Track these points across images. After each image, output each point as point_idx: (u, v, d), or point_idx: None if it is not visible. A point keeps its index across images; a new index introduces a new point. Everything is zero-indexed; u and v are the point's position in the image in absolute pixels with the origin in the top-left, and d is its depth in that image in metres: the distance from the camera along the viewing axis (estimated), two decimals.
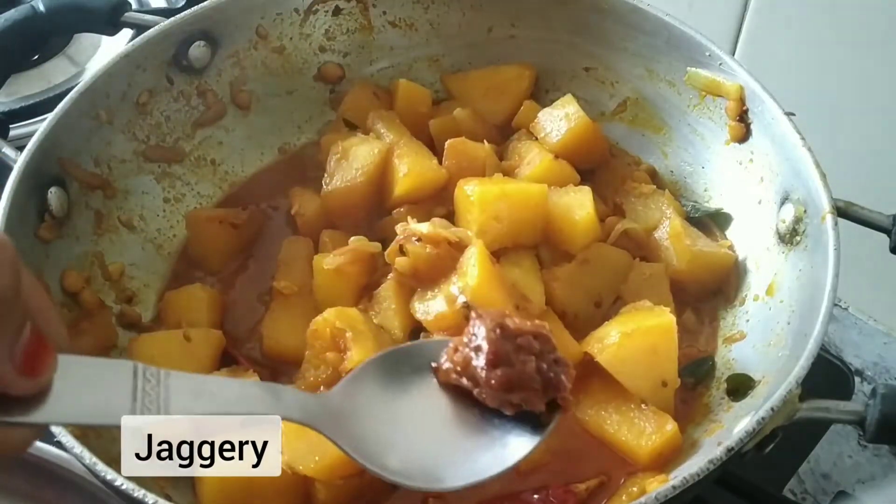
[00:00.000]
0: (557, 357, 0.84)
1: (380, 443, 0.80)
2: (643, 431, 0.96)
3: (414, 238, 1.02)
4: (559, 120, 1.19)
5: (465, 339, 0.85)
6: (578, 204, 1.09)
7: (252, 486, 0.89)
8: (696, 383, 1.05)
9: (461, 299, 0.98)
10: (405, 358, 0.89)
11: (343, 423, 0.80)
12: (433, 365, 0.87)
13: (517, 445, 0.83)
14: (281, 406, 0.76)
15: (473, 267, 0.98)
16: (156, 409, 0.65)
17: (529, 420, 0.83)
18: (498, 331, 0.83)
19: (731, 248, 1.13)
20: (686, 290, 1.11)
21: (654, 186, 1.19)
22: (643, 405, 0.97)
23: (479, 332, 0.84)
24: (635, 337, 0.97)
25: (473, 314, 0.87)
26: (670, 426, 0.95)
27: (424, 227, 1.02)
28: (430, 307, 1.01)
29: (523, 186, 1.10)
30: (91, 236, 1.12)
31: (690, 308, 1.11)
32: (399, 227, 1.04)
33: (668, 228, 1.12)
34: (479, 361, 0.83)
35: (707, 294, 1.13)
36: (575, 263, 1.08)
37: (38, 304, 0.60)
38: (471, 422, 0.84)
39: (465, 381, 0.84)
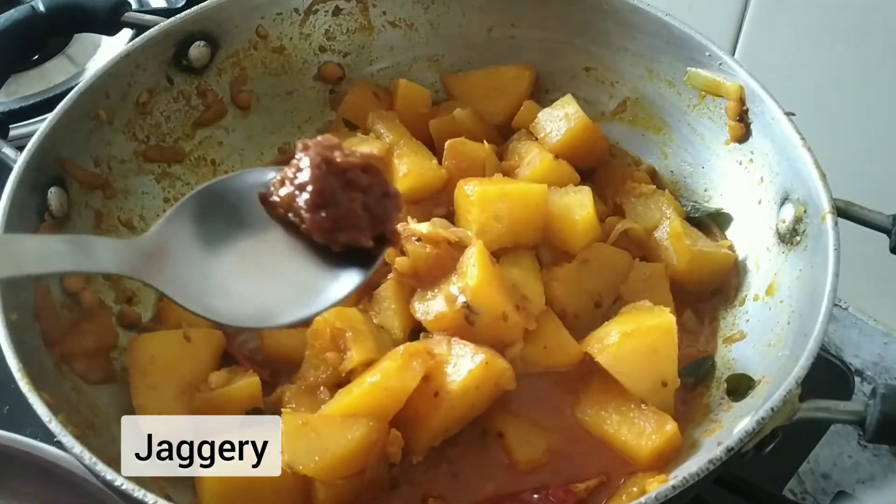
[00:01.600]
0: (387, 190, 0.82)
1: (205, 283, 0.77)
2: (643, 431, 0.96)
3: (414, 238, 1.02)
4: (559, 120, 1.19)
5: (290, 173, 0.81)
6: (578, 204, 1.09)
7: (252, 486, 0.89)
8: (696, 383, 1.05)
9: (461, 299, 0.98)
10: (230, 189, 0.85)
11: (161, 265, 0.75)
12: (261, 192, 0.84)
13: (345, 281, 0.81)
14: (91, 260, 0.71)
15: (473, 267, 0.98)
16: None
17: (360, 254, 0.81)
18: (324, 166, 0.79)
19: (731, 248, 1.13)
20: (686, 290, 1.11)
21: (654, 186, 1.19)
22: (643, 405, 0.97)
23: (303, 166, 0.80)
24: (635, 337, 0.97)
25: (300, 145, 0.82)
26: (670, 426, 0.95)
27: (424, 227, 1.03)
28: (430, 307, 1.01)
29: (523, 186, 1.10)
30: None
31: (690, 308, 1.11)
32: (399, 227, 1.04)
33: (668, 228, 1.12)
34: (303, 201, 0.79)
35: (707, 294, 1.13)
36: (575, 263, 1.08)
37: None
38: (302, 255, 0.81)
39: (291, 216, 0.81)
